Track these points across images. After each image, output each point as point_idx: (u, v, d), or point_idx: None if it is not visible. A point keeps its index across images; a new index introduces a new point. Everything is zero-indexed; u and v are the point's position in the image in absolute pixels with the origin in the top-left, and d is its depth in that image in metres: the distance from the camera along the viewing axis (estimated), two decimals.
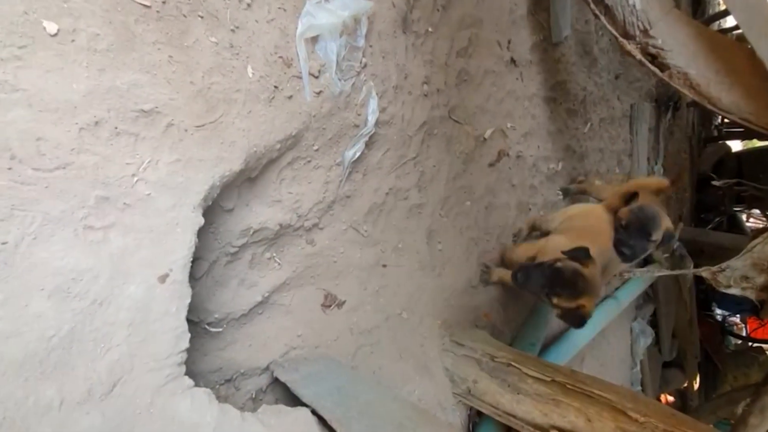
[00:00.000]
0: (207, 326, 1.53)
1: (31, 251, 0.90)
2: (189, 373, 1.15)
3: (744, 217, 6.80)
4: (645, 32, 2.07)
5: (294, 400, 1.46)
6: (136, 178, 1.06)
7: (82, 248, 0.96)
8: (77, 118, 0.98)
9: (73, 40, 0.98)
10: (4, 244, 0.86)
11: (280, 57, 1.41)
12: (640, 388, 4.19)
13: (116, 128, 1.04)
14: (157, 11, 1.12)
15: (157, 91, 1.11)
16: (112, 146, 1.03)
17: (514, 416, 1.79)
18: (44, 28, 0.94)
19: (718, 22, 6.01)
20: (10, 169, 0.89)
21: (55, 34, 0.96)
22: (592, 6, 2.19)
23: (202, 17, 1.21)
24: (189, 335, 1.12)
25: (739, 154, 6.31)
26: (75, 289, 0.94)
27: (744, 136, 6.70)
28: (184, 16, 1.18)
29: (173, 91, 1.15)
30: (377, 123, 1.72)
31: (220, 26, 1.26)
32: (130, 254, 1.03)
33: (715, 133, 6.81)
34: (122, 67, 1.05)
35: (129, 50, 1.07)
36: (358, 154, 1.67)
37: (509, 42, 2.50)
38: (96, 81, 1.01)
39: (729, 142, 6.51)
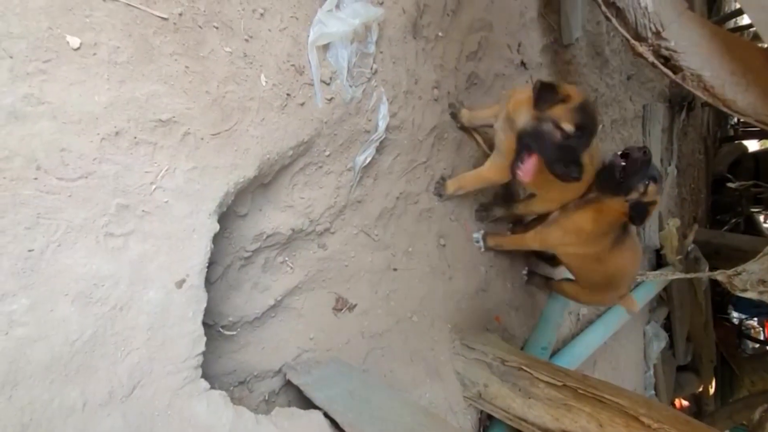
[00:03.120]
0: (221, 329, 1.56)
1: (56, 258, 0.93)
2: (203, 375, 1.18)
3: (762, 218, 6.67)
4: (657, 34, 2.05)
5: (306, 403, 1.48)
6: (154, 186, 1.09)
7: (103, 255, 0.99)
8: (99, 129, 1.01)
9: (94, 54, 1.01)
10: (30, 251, 0.90)
11: (293, 65, 1.44)
12: (653, 392, 4.14)
13: (135, 138, 1.07)
14: (174, 23, 1.15)
15: (174, 101, 1.14)
16: (132, 155, 1.06)
17: (525, 420, 1.79)
18: (68, 43, 0.98)
19: (733, 20, 5.90)
20: (35, 179, 0.92)
21: (78, 48, 0.99)
22: (603, 8, 2.17)
23: (217, 28, 1.24)
24: (205, 339, 1.15)
25: (756, 153, 6.21)
26: (97, 294, 0.97)
27: (761, 135, 6.58)
28: (200, 27, 1.21)
29: (190, 101, 1.18)
30: (388, 128, 1.74)
31: (234, 36, 1.29)
32: (149, 260, 1.06)
33: (731, 133, 6.70)
34: (141, 79, 1.09)
35: (147, 62, 1.10)
36: (369, 159, 1.68)
37: (519, 45, 2.50)
38: (116, 92, 1.04)
39: (745, 142, 6.41)
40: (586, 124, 1.59)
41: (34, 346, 0.88)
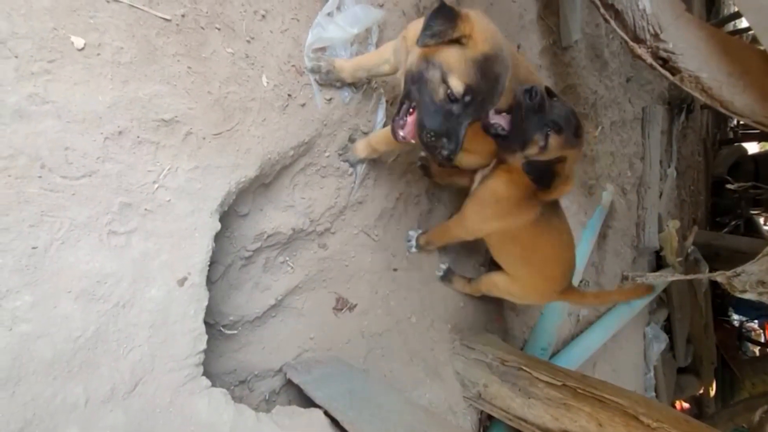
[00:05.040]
0: (222, 328, 1.57)
1: (59, 255, 0.94)
2: (205, 374, 1.19)
3: (762, 220, 6.67)
4: (656, 36, 2.07)
5: (306, 402, 1.48)
6: (157, 185, 1.10)
7: (106, 253, 1.00)
8: (102, 128, 1.02)
9: (98, 54, 1.03)
10: (34, 248, 0.91)
11: (293, 66, 1.45)
12: (654, 394, 4.13)
13: (138, 137, 1.08)
14: (177, 24, 1.17)
15: (176, 101, 1.16)
16: (135, 155, 1.07)
17: (524, 420, 1.79)
18: (72, 43, 0.99)
19: (732, 22, 5.93)
20: (40, 177, 0.93)
21: (82, 49, 1.00)
22: (602, 10, 2.19)
23: (219, 29, 1.26)
24: (206, 337, 1.16)
25: (755, 156, 6.22)
26: (100, 291, 0.98)
27: (760, 137, 6.60)
28: (202, 28, 1.23)
29: (192, 101, 1.19)
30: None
31: (236, 37, 1.30)
32: (151, 258, 1.07)
33: (731, 135, 6.71)
34: (144, 79, 1.10)
35: (150, 62, 1.11)
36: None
37: (518, 47, 2.51)
38: (120, 92, 1.05)
39: (745, 144, 6.42)
40: (483, 88, 1.15)
41: (37, 342, 0.89)
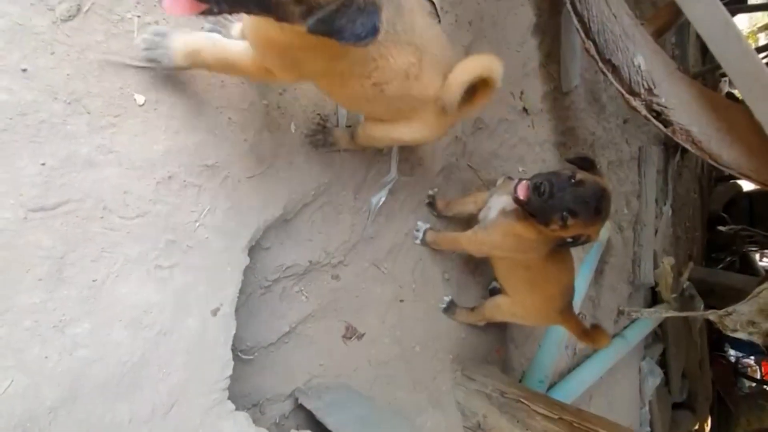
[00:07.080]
0: (240, 353, 1.66)
1: (114, 288, 1.06)
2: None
3: (757, 256, 6.77)
4: (650, 91, 2.23)
5: (315, 426, 1.57)
6: (198, 224, 1.23)
7: (152, 285, 1.12)
8: (155, 174, 1.16)
9: (156, 109, 1.17)
10: (94, 281, 1.03)
11: (318, 114, 1.61)
12: (649, 429, 4.16)
13: (185, 181, 1.22)
14: (222, 80, 1.32)
15: (218, 148, 1.30)
16: (181, 197, 1.21)
17: None
18: (135, 100, 1.14)
19: None
20: (102, 218, 1.06)
21: (143, 105, 1.15)
22: (600, 64, 2.37)
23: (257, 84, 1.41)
24: (233, 363, 1.26)
25: (750, 193, 6.37)
26: (146, 320, 1.10)
27: None
28: (242, 83, 1.38)
29: (230, 148, 1.33)
30: (399, 170, 1.89)
31: (270, 90, 1.46)
32: (189, 290, 1.19)
33: (727, 173, 6.87)
34: (192, 130, 1.24)
35: (198, 115, 1.26)
36: (383, 200, 1.83)
37: (522, 92, 2.69)
38: (171, 142, 1.19)
39: (740, 182, 6.57)
40: None
41: (92, 365, 1.00)
